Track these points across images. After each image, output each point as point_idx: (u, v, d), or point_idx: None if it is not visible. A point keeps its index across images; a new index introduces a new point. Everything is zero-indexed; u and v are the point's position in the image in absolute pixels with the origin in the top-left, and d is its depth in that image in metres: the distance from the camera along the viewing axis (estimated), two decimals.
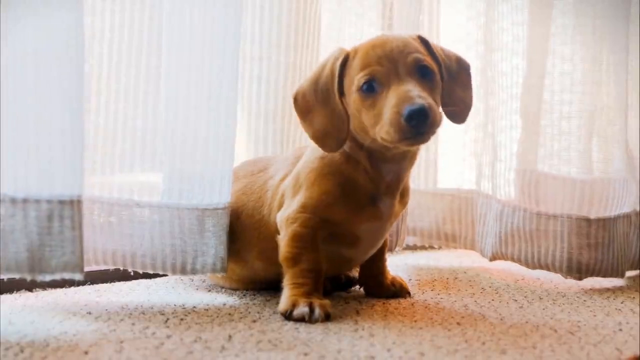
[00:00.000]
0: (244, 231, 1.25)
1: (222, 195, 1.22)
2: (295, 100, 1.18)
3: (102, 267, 1.32)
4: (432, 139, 1.66)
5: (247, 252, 1.25)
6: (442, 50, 1.20)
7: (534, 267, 1.50)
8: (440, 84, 1.15)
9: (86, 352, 0.92)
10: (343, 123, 1.14)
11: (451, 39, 1.70)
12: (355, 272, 1.37)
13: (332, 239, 1.18)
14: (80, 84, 1.06)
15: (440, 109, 1.15)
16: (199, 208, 1.21)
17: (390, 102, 1.07)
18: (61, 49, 1.04)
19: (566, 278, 1.48)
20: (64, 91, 1.04)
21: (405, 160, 1.18)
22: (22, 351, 0.92)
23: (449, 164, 1.75)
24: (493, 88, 1.57)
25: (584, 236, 1.46)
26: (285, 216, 1.17)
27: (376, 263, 1.30)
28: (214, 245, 1.21)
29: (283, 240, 1.17)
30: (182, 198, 1.21)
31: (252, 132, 1.46)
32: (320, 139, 1.15)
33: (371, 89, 1.10)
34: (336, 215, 1.16)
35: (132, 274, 1.33)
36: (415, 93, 1.06)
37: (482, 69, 1.62)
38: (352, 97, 1.12)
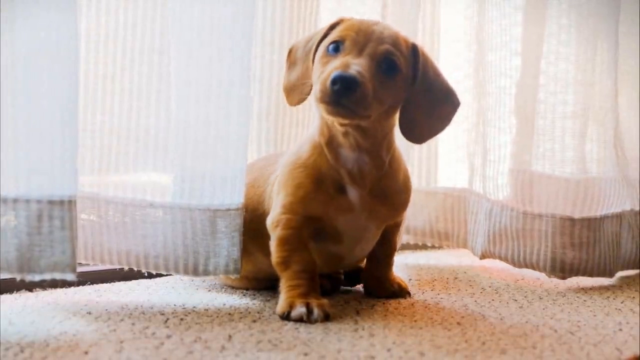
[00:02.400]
0: (250, 223, 1.25)
1: (234, 196, 1.22)
2: (290, 52, 1.23)
3: (105, 267, 1.32)
4: (434, 138, 1.69)
5: (252, 245, 1.25)
6: (434, 71, 1.19)
7: (520, 266, 1.51)
8: (401, 88, 1.14)
9: (86, 352, 0.92)
10: (309, 80, 1.16)
11: (450, 38, 1.70)
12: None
13: (318, 236, 1.18)
14: (74, 83, 1.06)
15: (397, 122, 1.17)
16: (210, 209, 1.21)
17: (332, 65, 1.08)
18: (53, 48, 1.04)
19: (550, 277, 1.49)
20: (56, 91, 1.04)
21: (361, 151, 1.16)
22: (22, 351, 0.92)
23: (442, 163, 1.75)
24: (487, 89, 1.57)
25: (568, 236, 1.46)
26: (271, 220, 1.18)
27: (381, 266, 1.30)
28: (226, 247, 1.21)
29: (272, 246, 1.17)
30: (193, 198, 1.21)
31: None
32: (288, 91, 1.21)
33: (336, 50, 1.12)
34: (313, 208, 1.16)
35: (133, 273, 1.33)
36: (355, 67, 1.07)
37: (475, 69, 1.62)
38: (319, 54, 1.14)
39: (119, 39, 1.22)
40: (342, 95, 1.05)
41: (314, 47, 1.17)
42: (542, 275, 1.54)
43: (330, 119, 1.13)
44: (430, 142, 1.69)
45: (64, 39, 1.05)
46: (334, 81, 1.04)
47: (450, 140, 1.73)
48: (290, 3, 1.45)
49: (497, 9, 1.54)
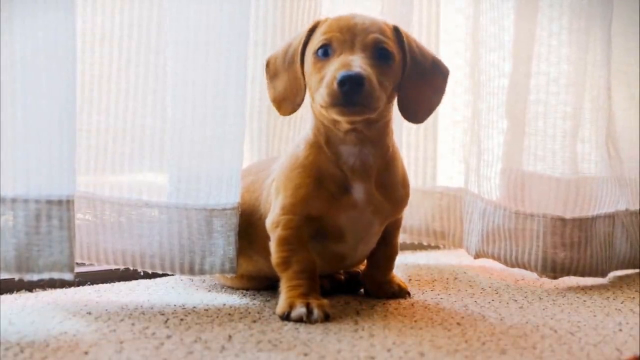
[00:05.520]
0: (247, 227, 1.25)
1: (230, 195, 1.22)
2: (268, 64, 1.22)
3: (105, 267, 1.32)
4: (430, 137, 1.69)
5: (251, 248, 1.25)
6: (419, 47, 1.20)
7: (512, 266, 1.51)
8: (397, 72, 1.15)
9: (86, 352, 0.92)
10: (300, 88, 1.17)
11: (450, 38, 1.70)
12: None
13: (319, 236, 1.18)
14: (72, 83, 1.06)
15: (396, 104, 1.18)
16: (206, 208, 1.21)
17: (332, 67, 1.08)
18: (51, 48, 1.04)
19: (541, 277, 1.49)
20: (54, 91, 1.05)
21: (364, 144, 1.16)
22: (22, 351, 0.92)
23: (442, 163, 1.75)
24: (484, 89, 1.56)
25: (559, 235, 1.46)
26: (270, 221, 1.18)
27: (382, 269, 1.30)
28: (222, 246, 1.22)
29: (272, 246, 1.17)
30: (189, 198, 1.21)
31: None
32: (278, 102, 1.20)
33: (325, 54, 1.12)
34: (313, 208, 1.16)
35: (133, 273, 1.33)
36: (357, 63, 1.07)
37: (470, 70, 1.62)
38: (309, 61, 1.14)
39: (115, 39, 1.22)
40: (353, 94, 1.05)
41: (298, 54, 1.17)
42: None
43: (344, 119, 1.12)
44: (429, 142, 1.69)
45: (62, 38, 1.05)
46: (342, 82, 1.05)
47: (450, 141, 1.73)
48: (282, 4, 1.45)
49: (494, 10, 1.54)
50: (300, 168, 1.17)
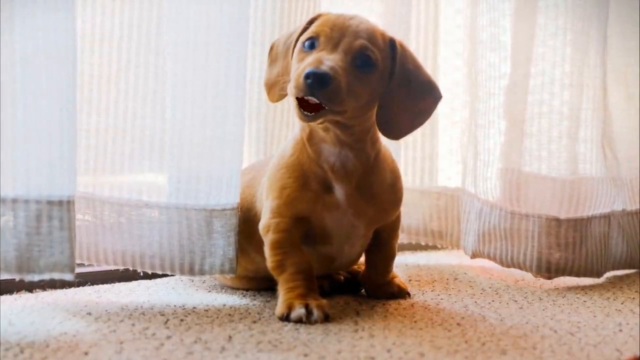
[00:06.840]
0: (245, 223, 1.25)
1: (229, 196, 1.22)
2: (271, 48, 1.23)
3: (105, 268, 1.32)
4: (429, 137, 1.69)
5: (248, 244, 1.25)
6: (415, 65, 1.18)
7: (507, 266, 1.51)
8: (378, 83, 1.13)
9: (86, 353, 0.92)
10: (288, 77, 1.16)
11: (451, 39, 1.70)
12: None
13: (308, 238, 1.18)
14: (72, 83, 1.06)
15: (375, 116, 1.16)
16: (206, 209, 1.21)
17: (307, 62, 1.08)
18: (51, 48, 1.04)
19: (536, 277, 1.50)
20: (54, 91, 1.04)
21: (343, 146, 1.15)
22: (22, 352, 0.92)
23: (442, 163, 1.75)
24: (481, 90, 1.56)
25: (554, 236, 1.47)
26: (262, 225, 1.18)
27: (380, 272, 1.29)
28: (222, 246, 1.22)
29: (266, 251, 1.17)
30: (189, 198, 1.21)
31: None
32: (269, 87, 1.21)
33: (311, 46, 1.12)
34: (300, 208, 1.16)
35: (133, 274, 1.33)
36: (328, 62, 1.07)
37: (468, 71, 1.62)
38: (296, 50, 1.15)
39: (115, 40, 1.22)
40: (315, 90, 1.05)
41: (293, 42, 1.17)
42: None
43: (302, 123, 1.13)
44: (427, 142, 1.69)
45: (62, 39, 1.05)
46: (307, 76, 1.05)
47: (448, 141, 1.73)
48: (281, 4, 1.45)
49: (492, 11, 1.53)
50: (284, 168, 1.18)
